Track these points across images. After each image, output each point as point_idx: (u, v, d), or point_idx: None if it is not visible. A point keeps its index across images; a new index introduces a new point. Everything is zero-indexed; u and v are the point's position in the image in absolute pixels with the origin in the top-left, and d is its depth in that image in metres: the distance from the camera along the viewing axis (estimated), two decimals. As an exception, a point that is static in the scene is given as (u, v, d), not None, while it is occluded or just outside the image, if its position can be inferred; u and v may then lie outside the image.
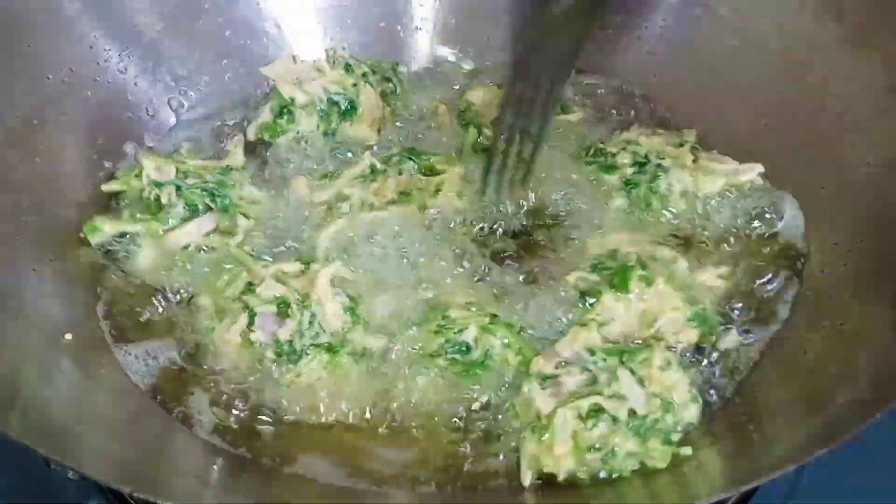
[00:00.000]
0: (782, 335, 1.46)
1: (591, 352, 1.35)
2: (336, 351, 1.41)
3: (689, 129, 1.72)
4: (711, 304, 1.49)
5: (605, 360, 1.33)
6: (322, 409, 1.39)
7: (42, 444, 1.13)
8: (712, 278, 1.52)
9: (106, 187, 1.64)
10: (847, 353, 1.33)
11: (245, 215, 1.62)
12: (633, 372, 1.30)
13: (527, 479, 1.29)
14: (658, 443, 1.28)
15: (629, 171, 1.65)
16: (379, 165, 1.65)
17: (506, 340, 1.40)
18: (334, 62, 1.82)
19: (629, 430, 1.26)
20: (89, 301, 1.52)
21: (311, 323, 1.40)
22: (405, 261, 1.55)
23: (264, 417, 1.39)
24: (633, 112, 1.85)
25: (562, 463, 1.27)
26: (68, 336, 1.43)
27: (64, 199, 1.61)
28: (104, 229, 1.58)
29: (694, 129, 1.72)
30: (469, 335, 1.40)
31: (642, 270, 1.46)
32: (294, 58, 1.87)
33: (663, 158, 1.63)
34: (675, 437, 1.29)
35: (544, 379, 1.34)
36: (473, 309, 1.44)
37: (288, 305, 1.40)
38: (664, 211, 1.62)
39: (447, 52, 2.02)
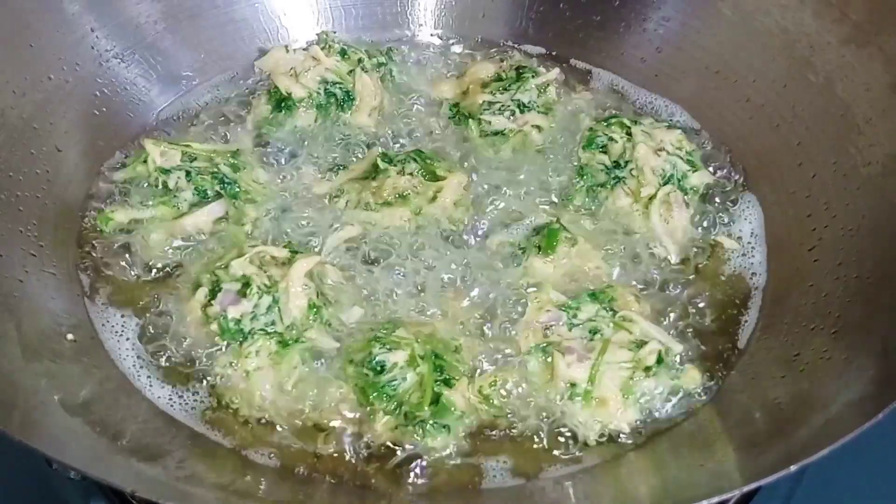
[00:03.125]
0: (779, 335, 1.46)
1: (565, 308, 1.41)
2: (287, 345, 1.39)
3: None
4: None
5: (579, 309, 1.40)
6: (249, 400, 1.38)
7: (42, 444, 1.14)
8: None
9: (116, 176, 1.65)
10: (847, 352, 1.33)
11: (254, 201, 1.62)
12: (615, 312, 1.40)
13: (591, 439, 1.34)
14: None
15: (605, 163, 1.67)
16: (382, 165, 1.63)
17: (422, 375, 1.33)
18: (329, 48, 1.80)
19: (663, 367, 1.36)
20: (90, 300, 1.52)
21: (269, 309, 1.39)
22: (405, 279, 1.54)
23: (198, 391, 1.41)
24: (632, 111, 1.85)
25: (626, 415, 1.34)
26: (69, 336, 1.43)
27: (65, 199, 1.62)
28: (116, 218, 1.58)
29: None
30: (392, 357, 1.34)
31: (566, 232, 1.52)
32: (287, 48, 1.86)
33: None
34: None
35: (544, 350, 1.38)
36: (420, 340, 1.38)
37: (248, 286, 1.39)
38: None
39: (440, 33, 2.03)
